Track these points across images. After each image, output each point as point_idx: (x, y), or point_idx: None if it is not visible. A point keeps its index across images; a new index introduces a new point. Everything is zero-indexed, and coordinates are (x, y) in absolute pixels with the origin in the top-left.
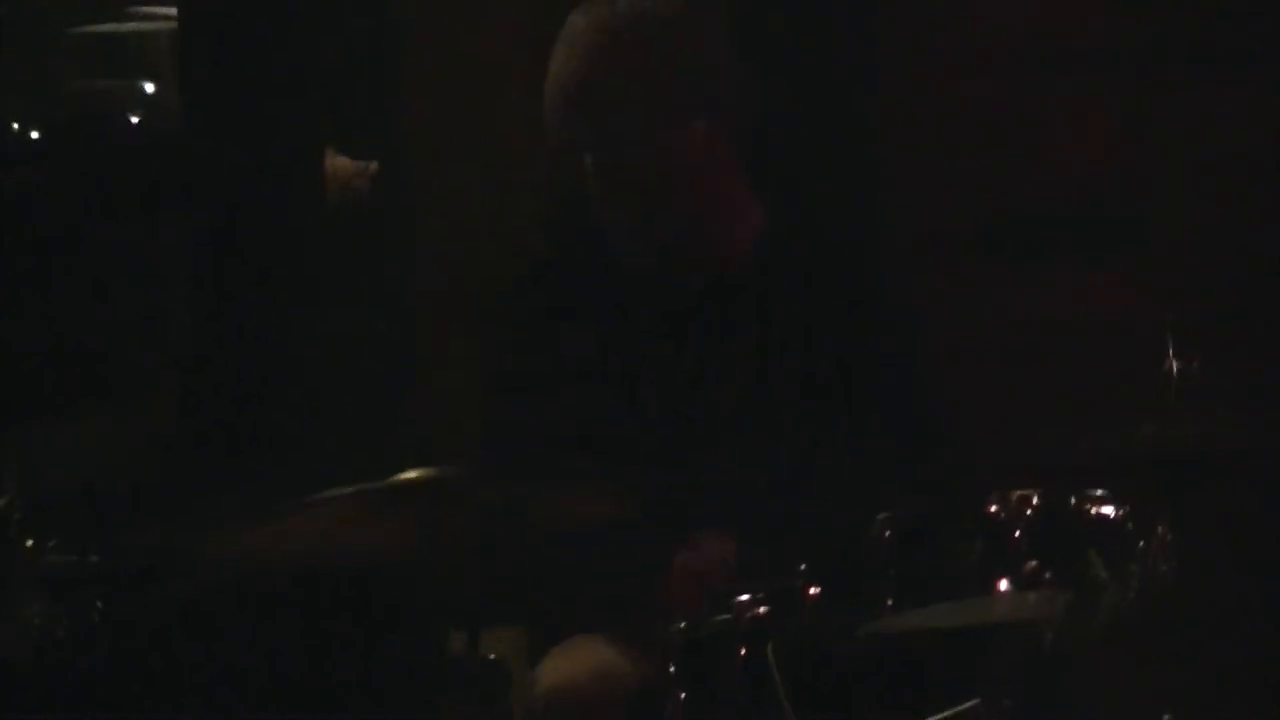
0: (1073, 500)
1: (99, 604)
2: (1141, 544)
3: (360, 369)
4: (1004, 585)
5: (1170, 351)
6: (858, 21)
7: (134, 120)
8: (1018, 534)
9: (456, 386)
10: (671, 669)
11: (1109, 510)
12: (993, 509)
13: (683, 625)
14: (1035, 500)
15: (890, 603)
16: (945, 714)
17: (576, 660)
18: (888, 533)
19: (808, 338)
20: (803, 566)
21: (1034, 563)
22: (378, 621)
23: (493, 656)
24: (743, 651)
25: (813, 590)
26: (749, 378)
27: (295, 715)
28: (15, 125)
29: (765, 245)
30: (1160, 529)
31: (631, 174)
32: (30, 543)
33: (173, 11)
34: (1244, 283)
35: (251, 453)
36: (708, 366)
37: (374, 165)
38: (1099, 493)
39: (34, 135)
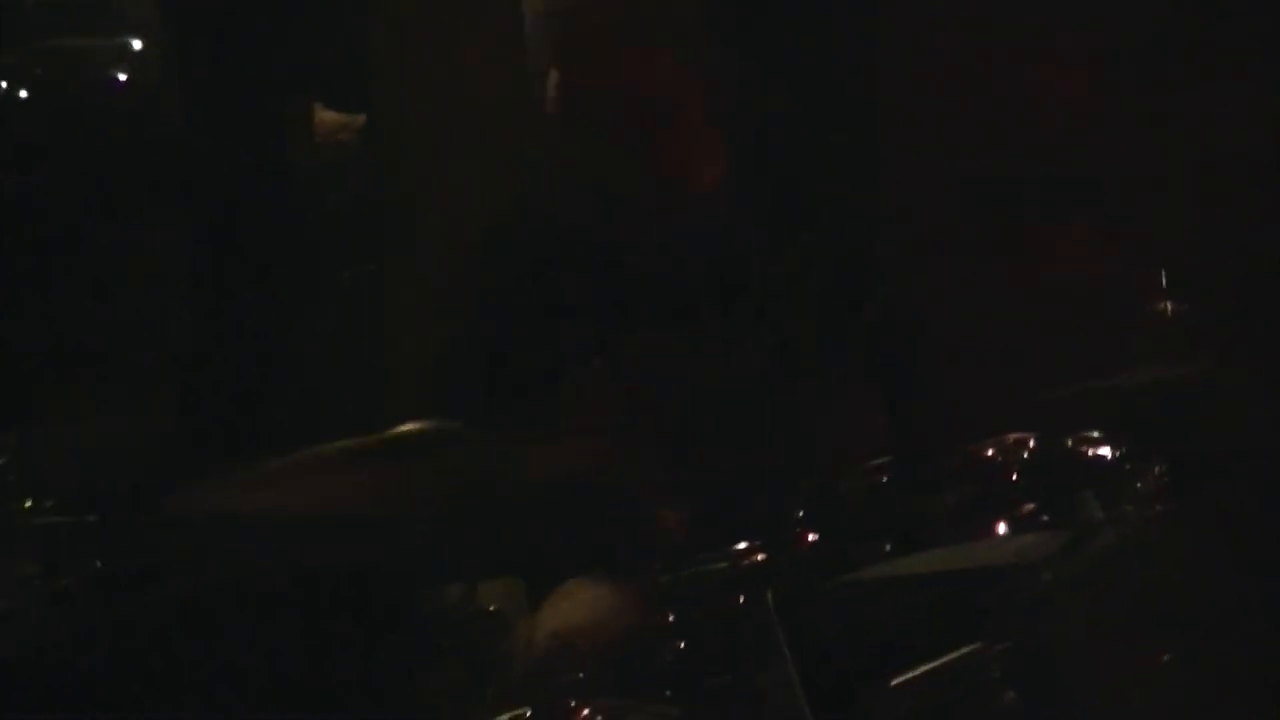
0: (1068, 442)
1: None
2: (1137, 484)
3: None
4: (1001, 528)
5: (1165, 294)
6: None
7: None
8: (1014, 477)
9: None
10: (670, 618)
11: (1104, 451)
12: (989, 452)
13: (680, 574)
14: (1030, 443)
15: (888, 548)
16: (945, 658)
17: (573, 610)
18: (884, 478)
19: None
20: (800, 513)
21: (1030, 505)
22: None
23: (490, 607)
24: (741, 599)
25: (811, 537)
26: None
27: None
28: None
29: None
30: (1156, 469)
31: (598, 101)
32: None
33: None
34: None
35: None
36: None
37: (360, 118)
38: (1094, 434)
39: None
